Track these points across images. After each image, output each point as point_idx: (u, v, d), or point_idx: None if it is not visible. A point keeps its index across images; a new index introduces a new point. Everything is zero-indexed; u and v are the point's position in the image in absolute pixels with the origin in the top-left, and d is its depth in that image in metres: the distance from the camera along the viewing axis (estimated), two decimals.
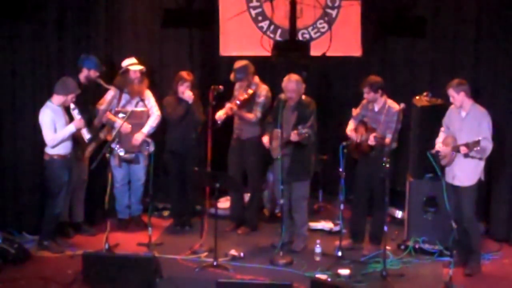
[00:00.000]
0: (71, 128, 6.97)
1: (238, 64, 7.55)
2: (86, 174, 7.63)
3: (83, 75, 7.44)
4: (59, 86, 6.94)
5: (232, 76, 7.57)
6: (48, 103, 6.96)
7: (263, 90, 7.59)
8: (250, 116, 7.52)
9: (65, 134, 6.95)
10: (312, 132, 6.87)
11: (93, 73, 7.46)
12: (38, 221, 7.28)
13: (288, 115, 7.07)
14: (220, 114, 7.50)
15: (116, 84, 7.67)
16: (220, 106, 7.58)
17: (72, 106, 6.97)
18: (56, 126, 6.94)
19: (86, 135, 7.15)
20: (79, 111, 7.02)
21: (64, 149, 7.03)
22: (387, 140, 6.76)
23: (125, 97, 7.72)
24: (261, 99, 7.54)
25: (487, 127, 6.45)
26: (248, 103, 7.52)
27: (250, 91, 7.50)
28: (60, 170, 7.02)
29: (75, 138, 7.23)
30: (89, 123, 7.26)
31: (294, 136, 6.83)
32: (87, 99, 7.43)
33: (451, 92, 6.53)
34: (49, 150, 7.01)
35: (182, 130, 7.64)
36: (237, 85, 7.70)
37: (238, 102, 7.44)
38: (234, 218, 7.92)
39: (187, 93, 7.48)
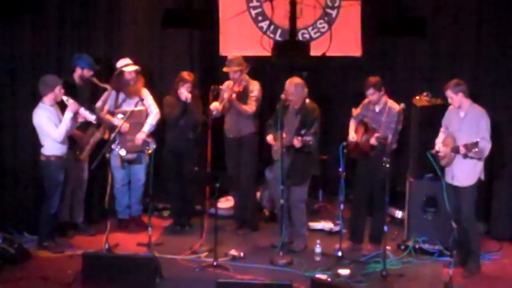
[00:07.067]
0: (68, 114, 6.90)
1: (232, 56, 7.60)
2: (86, 174, 7.63)
3: (76, 74, 7.46)
4: (42, 86, 6.92)
5: (226, 68, 7.55)
6: (40, 104, 6.95)
7: (255, 85, 7.60)
8: (246, 108, 7.51)
9: (67, 123, 6.90)
10: (315, 140, 6.87)
11: (87, 72, 7.47)
12: (37, 221, 7.26)
13: (291, 118, 7.06)
14: (216, 105, 7.49)
15: (111, 85, 7.67)
16: None
17: (65, 98, 6.93)
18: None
19: (90, 116, 7.05)
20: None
21: (60, 150, 7.01)
22: (388, 140, 6.76)
23: (122, 97, 7.73)
24: (254, 93, 7.54)
25: (485, 127, 6.45)
26: (241, 97, 7.52)
27: (244, 83, 7.51)
28: (56, 171, 7.01)
29: (73, 138, 7.23)
30: (87, 124, 7.25)
31: (297, 143, 6.84)
32: (83, 99, 7.41)
33: (449, 93, 6.53)
34: (45, 151, 7.00)
35: (180, 130, 7.64)
36: (224, 84, 7.68)
37: (233, 93, 7.43)
38: (237, 218, 7.93)
39: (184, 94, 7.48)
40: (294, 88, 7.03)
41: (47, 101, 6.94)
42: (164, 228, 7.99)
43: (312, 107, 7.11)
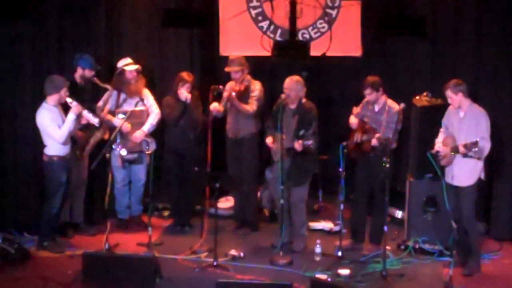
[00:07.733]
0: (71, 116, 6.92)
1: (234, 55, 7.61)
2: (86, 174, 7.63)
3: (78, 74, 7.47)
4: (48, 86, 6.92)
5: (227, 68, 7.56)
6: (44, 104, 6.95)
7: (257, 84, 7.60)
8: (247, 107, 7.51)
9: (70, 125, 6.91)
10: (314, 140, 6.87)
11: (88, 72, 7.48)
12: (38, 221, 7.27)
13: (288, 119, 7.05)
14: (216, 105, 7.48)
15: (112, 85, 7.67)
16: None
17: (69, 100, 6.94)
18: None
19: (93, 119, 7.08)
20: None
21: (63, 150, 7.02)
22: (389, 141, 6.76)
23: (123, 97, 7.73)
24: (255, 93, 7.54)
25: (485, 127, 6.46)
26: (242, 97, 7.52)
27: (246, 83, 7.51)
28: (59, 171, 7.01)
29: (74, 138, 7.23)
30: (88, 124, 7.25)
31: (298, 146, 6.83)
32: (84, 99, 7.41)
33: (449, 93, 6.54)
34: (48, 151, 7.01)
35: (180, 130, 7.64)
36: (227, 85, 7.68)
37: (233, 92, 7.43)
38: (237, 218, 7.93)
39: (184, 94, 7.48)
40: (295, 84, 7.04)
41: (51, 101, 6.94)
42: (164, 228, 7.99)
43: (309, 106, 7.11)
